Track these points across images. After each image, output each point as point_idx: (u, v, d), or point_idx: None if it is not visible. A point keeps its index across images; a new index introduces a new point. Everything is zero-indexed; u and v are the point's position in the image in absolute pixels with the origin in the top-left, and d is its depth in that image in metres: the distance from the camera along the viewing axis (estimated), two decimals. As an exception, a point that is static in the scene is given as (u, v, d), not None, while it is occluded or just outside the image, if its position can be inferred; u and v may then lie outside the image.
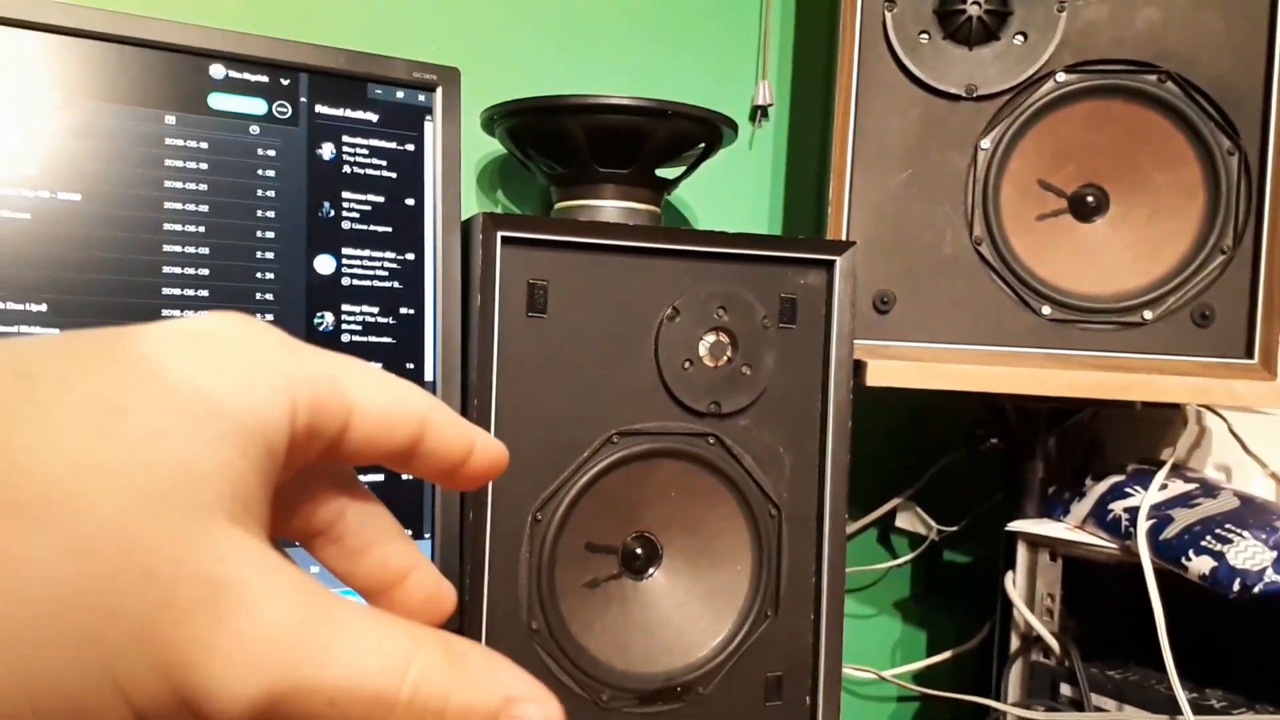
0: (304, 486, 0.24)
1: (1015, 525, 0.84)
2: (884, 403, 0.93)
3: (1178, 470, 0.82)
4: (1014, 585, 0.82)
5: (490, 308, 0.67)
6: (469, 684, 0.20)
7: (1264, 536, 0.68)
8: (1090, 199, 0.85)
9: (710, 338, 0.73)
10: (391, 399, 0.23)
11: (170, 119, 0.62)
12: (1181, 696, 0.68)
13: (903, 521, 1.02)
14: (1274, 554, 0.67)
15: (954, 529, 1.01)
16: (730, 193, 1.02)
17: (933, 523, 1.02)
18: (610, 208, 0.80)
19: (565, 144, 0.81)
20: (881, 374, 0.79)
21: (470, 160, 0.92)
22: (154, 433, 0.19)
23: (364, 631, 0.19)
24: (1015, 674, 0.83)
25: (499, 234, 0.67)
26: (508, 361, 0.67)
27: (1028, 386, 0.78)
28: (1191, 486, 0.79)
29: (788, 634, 0.75)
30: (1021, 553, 0.83)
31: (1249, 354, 0.80)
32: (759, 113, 1.02)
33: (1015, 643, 0.83)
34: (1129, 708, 0.74)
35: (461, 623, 0.66)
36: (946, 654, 1.02)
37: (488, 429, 0.67)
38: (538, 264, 0.69)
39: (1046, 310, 0.83)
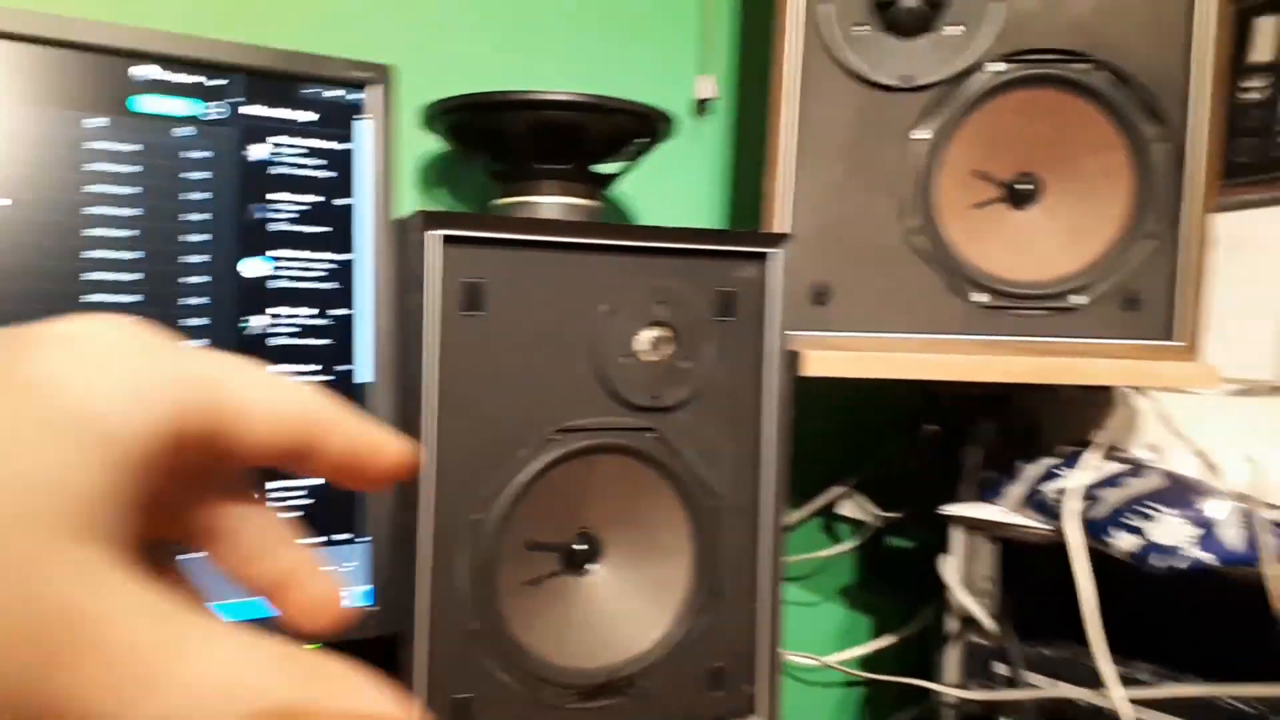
0: (191, 490, 0.24)
1: (949, 509, 0.86)
2: (827, 393, 0.95)
3: (1107, 451, 0.84)
4: (949, 568, 0.84)
5: (427, 307, 0.66)
6: (326, 706, 0.19)
7: (1187, 514, 0.70)
8: (1024, 187, 0.86)
9: (649, 332, 0.73)
10: (280, 400, 0.23)
11: (95, 122, 0.61)
12: (1105, 670, 0.70)
13: (847, 510, 1.04)
14: (1196, 530, 0.69)
15: (897, 516, 1.02)
16: (677, 187, 1.03)
17: (876, 510, 1.03)
18: (550, 204, 0.80)
19: (504, 140, 0.81)
20: (820, 364, 0.80)
21: (410, 158, 0.92)
22: (5, 444, 0.18)
23: (215, 654, 0.19)
24: (952, 655, 0.84)
25: (436, 232, 0.67)
26: (446, 360, 0.67)
27: (960, 373, 0.79)
28: (1119, 467, 0.81)
29: (729, 624, 0.76)
30: (957, 536, 0.84)
31: (1175, 337, 0.82)
32: (702, 106, 1.03)
33: (952, 625, 0.85)
34: (1062, 684, 0.76)
35: (400, 626, 0.66)
36: (889, 639, 1.03)
37: (426, 429, 0.67)
38: (475, 261, 0.68)
39: (982, 297, 0.85)
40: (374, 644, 0.68)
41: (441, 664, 0.66)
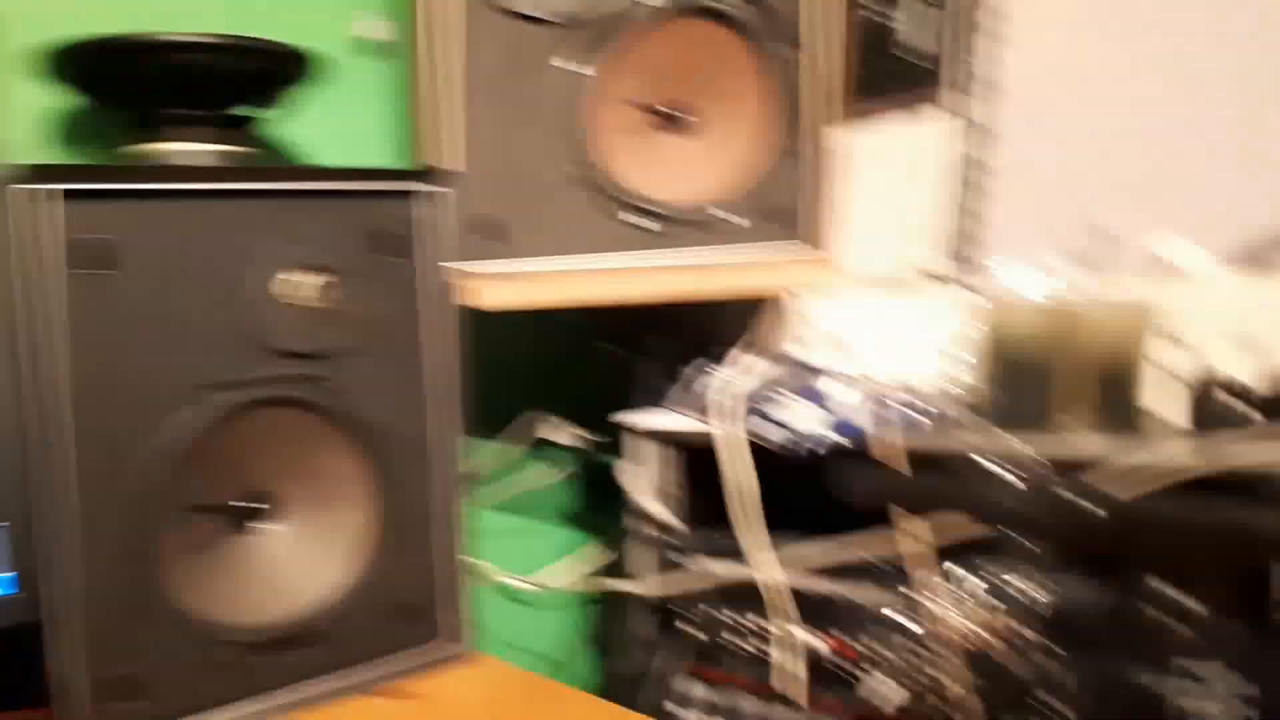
0: None
1: (622, 418, 0.91)
2: (523, 324, 0.97)
3: (758, 350, 0.91)
4: (626, 475, 0.89)
5: (48, 269, 0.61)
6: None
7: (823, 401, 0.78)
8: (679, 114, 0.90)
9: (309, 277, 0.72)
10: None
11: None
12: (749, 544, 0.77)
13: (556, 436, 1.07)
14: (823, 414, 0.77)
15: (606, 438, 1.06)
16: (361, 130, 1.00)
17: (584, 433, 1.07)
18: (186, 151, 0.76)
19: (132, 86, 0.76)
20: (491, 297, 0.82)
21: (32, 109, 0.84)
22: None
23: None
24: (637, 553, 0.90)
25: (52, 186, 0.62)
26: (76, 327, 0.63)
27: (617, 294, 0.84)
28: (767, 364, 0.88)
29: (415, 559, 0.77)
30: (633, 443, 0.90)
31: (810, 243, 0.90)
32: (375, 47, 1.00)
33: (637, 525, 0.91)
34: (724, 562, 0.82)
35: (50, 610, 0.62)
36: (600, 553, 1.08)
37: (58, 399, 0.62)
38: (101, 217, 0.64)
39: (646, 221, 0.89)
40: (25, 631, 0.64)
41: (101, 642, 0.63)
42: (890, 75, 0.99)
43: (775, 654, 0.78)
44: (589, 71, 0.87)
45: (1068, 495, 0.59)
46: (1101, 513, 0.58)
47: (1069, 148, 0.92)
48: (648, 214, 0.89)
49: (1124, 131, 0.89)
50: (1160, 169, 0.87)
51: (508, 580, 1.05)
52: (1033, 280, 0.76)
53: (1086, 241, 0.81)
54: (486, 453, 1.05)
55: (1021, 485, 0.62)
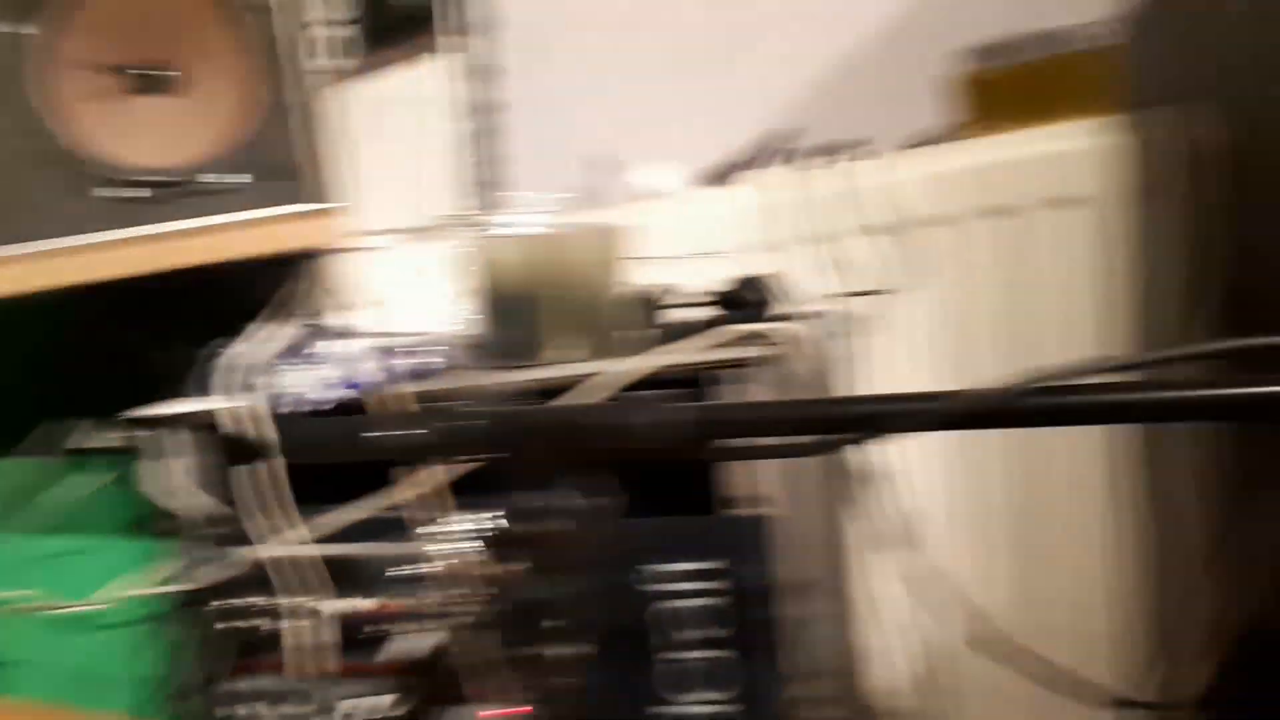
0: None
1: (140, 412, 0.83)
2: (35, 327, 0.86)
3: (279, 320, 0.86)
4: (153, 472, 0.82)
5: None
6: None
7: (327, 361, 0.76)
8: (153, 74, 0.84)
9: None
10: None
11: None
12: (269, 524, 0.75)
13: (88, 442, 0.97)
14: (331, 374, 0.75)
15: (145, 434, 0.98)
16: None
17: (135, 432, 0.98)
18: None
19: None
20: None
21: None
22: None
23: None
24: (185, 553, 0.84)
25: None
26: None
27: (104, 270, 0.77)
28: (285, 332, 0.84)
29: None
30: (158, 437, 0.83)
31: (322, 200, 0.86)
32: None
33: (178, 524, 0.84)
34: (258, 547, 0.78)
35: None
36: (156, 560, 1.00)
37: None
38: None
39: (130, 192, 0.81)
40: None
41: None
42: (390, 25, 0.96)
43: (304, 630, 0.76)
44: (41, 34, 0.78)
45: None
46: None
47: (571, 82, 0.94)
48: (131, 184, 0.81)
49: (619, 65, 0.93)
50: (649, 100, 0.91)
51: (48, 608, 0.94)
52: (526, 216, 0.77)
53: (585, 173, 0.83)
54: (4, 473, 0.94)
55: (492, 418, 0.63)
